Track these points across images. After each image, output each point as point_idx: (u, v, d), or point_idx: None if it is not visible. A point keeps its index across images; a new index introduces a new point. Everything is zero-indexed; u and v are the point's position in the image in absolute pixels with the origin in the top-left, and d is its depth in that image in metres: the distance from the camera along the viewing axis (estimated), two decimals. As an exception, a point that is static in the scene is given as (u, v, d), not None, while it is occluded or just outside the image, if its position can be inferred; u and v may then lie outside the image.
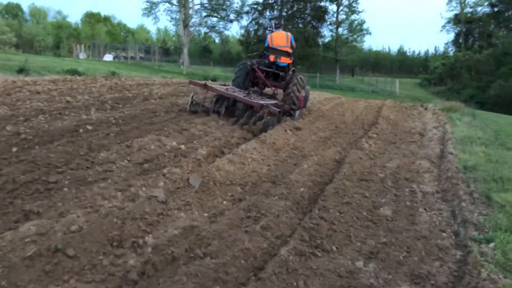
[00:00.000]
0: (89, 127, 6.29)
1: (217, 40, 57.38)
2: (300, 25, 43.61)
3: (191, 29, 46.67)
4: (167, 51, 59.69)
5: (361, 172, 5.61)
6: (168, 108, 8.59)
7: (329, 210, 4.19)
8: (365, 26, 45.98)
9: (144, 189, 4.20)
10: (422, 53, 72.46)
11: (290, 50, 10.15)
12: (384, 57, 71.20)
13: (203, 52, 58.23)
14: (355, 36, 46.44)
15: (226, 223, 3.79)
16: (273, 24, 11.33)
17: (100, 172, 4.58)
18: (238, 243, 3.40)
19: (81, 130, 6.11)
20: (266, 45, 10.27)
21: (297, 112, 9.62)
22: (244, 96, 8.44)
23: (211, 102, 8.69)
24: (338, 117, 10.88)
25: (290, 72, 10.15)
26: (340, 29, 46.07)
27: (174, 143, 5.94)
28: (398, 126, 10.19)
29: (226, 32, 53.88)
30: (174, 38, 69.52)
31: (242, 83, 9.96)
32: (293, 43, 10.33)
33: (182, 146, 5.83)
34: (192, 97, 8.79)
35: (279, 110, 8.29)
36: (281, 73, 10.15)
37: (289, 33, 10.38)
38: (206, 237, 3.49)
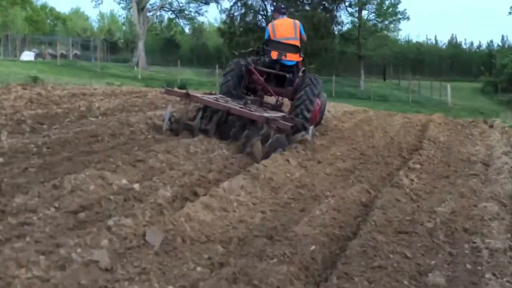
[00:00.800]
0: (-2, 159, 6.27)
1: (187, 30, 58.15)
2: (307, 8, 44.34)
3: (149, 14, 47.34)
4: (114, 46, 60.23)
5: (399, 221, 5.61)
6: (116, 129, 8.59)
7: (353, 279, 4.16)
8: (400, 7, 46.77)
9: (79, 250, 4.15)
10: (484, 46, 73.59)
11: (299, 44, 10.60)
12: (429, 51, 72.43)
13: (167, 47, 58.89)
14: (387, 22, 47.21)
15: (201, 300, 3.76)
16: (275, 9, 12.03)
17: (14, 226, 4.53)
18: (219, 331, 3.36)
19: (-15, 164, 6.08)
20: (266, 37, 10.76)
21: (311, 129, 9.80)
22: (241, 108, 8.82)
23: (196, 118, 9.02)
24: (365, 139, 10.95)
25: (300, 74, 10.62)
26: (364, 13, 46.94)
27: (124, 181, 5.91)
28: (452, 152, 10.27)
29: (200, 19, 54.54)
30: (124, 28, 70.23)
31: (233, 90, 10.37)
32: (303, 34, 10.80)
33: (136, 186, 5.80)
34: (171, 113, 9.19)
35: (291, 124, 8.64)
36: (287, 75, 10.54)
37: (297, 21, 10.85)
38: (171, 322, 3.45)
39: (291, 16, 41.99)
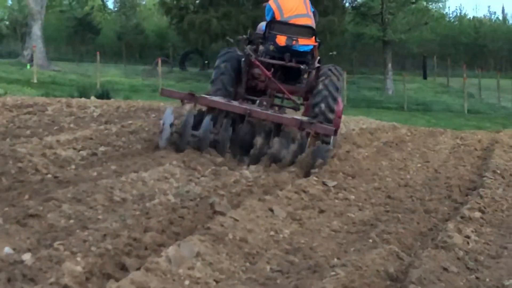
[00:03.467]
0: None
1: (110, 4, 58.49)
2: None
3: (50, -19, 47.29)
4: (-5, 32, 60.16)
5: (448, 304, 5.63)
6: (-5, 165, 8.56)
7: None
8: (446, -35, 47.44)
9: None
10: None
11: (313, 24, 11.79)
12: (493, 33, 73.11)
13: (80, 33, 58.87)
14: (425, -12, 47.85)
15: None
16: None
17: None
18: None
19: None
20: (268, 18, 11.83)
21: (332, 138, 11.29)
22: (264, 110, 10.60)
23: (202, 127, 10.40)
24: (393, 174, 11.01)
25: (316, 64, 11.75)
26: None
27: (8, 250, 5.86)
28: (531, 192, 10.33)
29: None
30: (10, 2, 70.26)
31: (229, 87, 11.77)
32: (316, 13, 12.30)
33: (27, 257, 5.75)
34: (171, 122, 10.48)
35: (335, 128, 10.47)
36: (301, 67, 11.69)
37: None
38: None
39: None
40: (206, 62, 48.51)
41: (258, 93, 12.08)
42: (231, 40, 15.16)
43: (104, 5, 57.30)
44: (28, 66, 40.09)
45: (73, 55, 52.35)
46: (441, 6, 57.11)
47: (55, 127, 12.27)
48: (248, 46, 12.09)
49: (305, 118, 10.50)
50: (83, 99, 19.53)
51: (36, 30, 44.73)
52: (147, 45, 58.43)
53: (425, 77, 55.11)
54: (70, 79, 35.60)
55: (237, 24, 42.21)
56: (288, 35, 11.40)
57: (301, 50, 11.58)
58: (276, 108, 12.17)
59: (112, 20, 62.54)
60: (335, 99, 11.32)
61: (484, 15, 76.62)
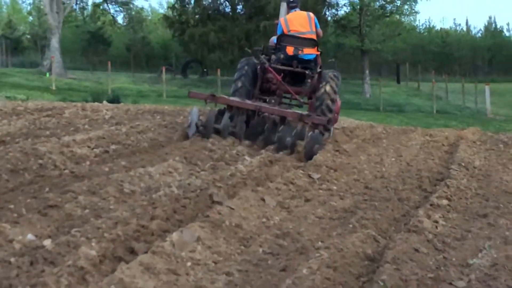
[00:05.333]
0: None
1: (120, 20, 58.14)
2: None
3: (66, -1, 47.15)
4: (17, 44, 59.93)
5: (418, 280, 5.62)
6: (18, 163, 8.51)
7: None
8: (416, -18, 47.28)
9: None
10: (535, 31, 74.72)
11: (315, 37, 13.13)
12: (459, 42, 73.12)
13: (93, 45, 58.75)
14: (398, 2, 47.70)
15: None
16: (287, 2, 14.25)
17: None
18: None
19: None
20: (279, 33, 13.18)
21: (331, 130, 13.04)
22: (271, 106, 12.21)
23: (222, 120, 11.70)
24: (370, 167, 11.01)
25: (318, 69, 13.05)
26: (368, -9, 47.28)
27: (31, 237, 5.85)
28: (492, 182, 10.35)
29: (138, 3, 54.77)
30: (31, 18, 70.07)
31: (248, 90, 13.03)
32: (319, 28, 13.53)
33: (47, 242, 5.75)
34: (197, 118, 11.82)
35: (328, 118, 11.71)
36: (306, 72, 12.98)
37: (311, 14, 13.54)
38: None
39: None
40: (205, 70, 48.46)
41: (270, 93, 13.34)
42: (249, 51, 16.13)
43: (114, 20, 56.77)
44: (47, 75, 39.94)
45: (87, 64, 52.12)
46: (412, 19, 57.15)
47: (72, 128, 12.23)
48: (263, 56, 13.09)
49: (304, 112, 11.96)
50: (96, 103, 19.47)
51: (54, 42, 44.59)
52: (153, 55, 58.26)
53: (398, 82, 55.10)
54: (85, 86, 35.51)
55: (232, 36, 42.18)
56: (295, 46, 12.77)
57: (306, 58, 12.90)
58: (284, 105, 13.44)
59: (121, 34, 62.24)
60: (333, 101, 12.60)
61: (450, 26, 76.77)
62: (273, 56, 13.15)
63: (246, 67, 13.22)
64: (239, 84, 13.05)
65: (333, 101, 12.65)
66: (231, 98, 12.30)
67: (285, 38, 12.94)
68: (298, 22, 13.07)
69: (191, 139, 11.61)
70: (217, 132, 11.61)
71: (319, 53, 13.28)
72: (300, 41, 12.85)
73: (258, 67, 13.11)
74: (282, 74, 12.90)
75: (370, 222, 7.50)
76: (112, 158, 9.85)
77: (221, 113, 11.96)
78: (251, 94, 13.05)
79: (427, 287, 5.56)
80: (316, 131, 11.23)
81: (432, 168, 11.37)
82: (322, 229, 7.27)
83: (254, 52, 14.72)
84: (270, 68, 12.75)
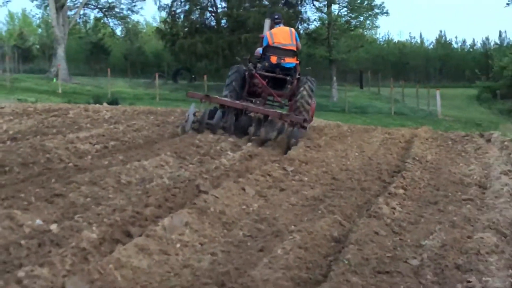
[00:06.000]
0: None
1: (118, 32, 57.80)
2: (266, 2, 44.62)
3: (71, 13, 46.94)
4: (27, 53, 59.54)
5: (378, 259, 5.63)
6: (28, 157, 8.47)
7: (324, 334, 4.16)
8: (377, 0, 47.22)
9: (-21, 311, 4.07)
10: (479, 45, 75.15)
11: (295, 49, 13.74)
12: (413, 52, 73.49)
13: (95, 54, 58.51)
14: (361, 18, 47.71)
15: None
16: (272, 19, 14.95)
17: None
18: None
19: None
20: (265, 44, 13.71)
21: (307, 127, 13.25)
22: (257, 106, 12.81)
23: (215, 117, 12.27)
24: (337, 160, 11.00)
25: (297, 76, 13.72)
26: (334, 7, 47.31)
27: (39, 222, 5.81)
28: (442, 174, 10.39)
29: (135, 17, 54.53)
30: (40, 30, 69.63)
31: (237, 93, 13.48)
32: (299, 41, 14.07)
33: (54, 227, 5.71)
34: (194, 113, 12.39)
35: (304, 117, 12.41)
36: (287, 78, 13.64)
37: (292, 29, 14.19)
38: None
39: (245, 10, 42.56)
40: (193, 76, 48.37)
41: (256, 95, 13.82)
42: (239, 59, 16.39)
43: (113, 33, 56.46)
44: (54, 80, 39.72)
45: (89, 71, 51.86)
46: (373, 32, 57.25)
47: (75, 127, 12.18)
48: (250, 64, 13.73)
49: (284, 112, 12.65)
50: (97, 105, 19.43)
51: (60, 52, 44.37)
52: (147, 63, 58.03)
53: (361, 87, 55.24)
54: (87, 89, 35.37)
55: (216, 47, 42.18)
56: (278, 56, 13.41)
57: (287, 66, 13.54)
58: (267, 105, 13.89)
59: (119, 44, 61.89)
60: (309, 102, 13.29)
61: (406, 39, 76.97)
62: (259, 64, 13.79)
63: (236, 73, 13.75)
64: (230, 87, 13.53)
65: (308, 103, 13.30)
66: (223, 98, 12.90)
67: (270, 49, 13.52)
68: (281, 35, 13.63)
69: (180, 136, 11.83)
70: (210, 127, 12.11)
71: (298, 62, 13.90)
72: (283, 51, 13.45)
73: (246, 73, 13.59)
74: (266, 80, 13.47)
75: (337, 208, 7.50)
76: (111, 153, 9.81)
77: (213, 111, 12.53)
78: (240, 95, 13.46)
79: (385, 265, 5.57)
80: (295, 128, 11.96)
81: (390, 161, 11.39)
82: (295, 214, 7.27)
83: (243, 61, 14.86)
84: (256, 74, 13.35)
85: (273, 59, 13.42)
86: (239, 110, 12.60)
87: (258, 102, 13.58)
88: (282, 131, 12.15)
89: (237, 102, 12.74)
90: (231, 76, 13.77)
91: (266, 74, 13.50)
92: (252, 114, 13.15)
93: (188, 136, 11.83)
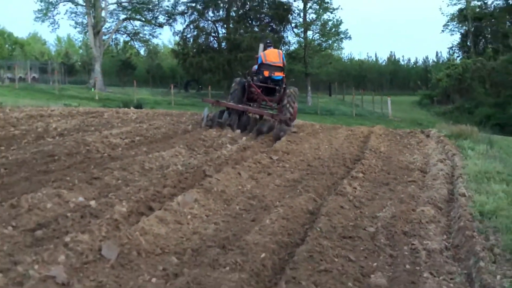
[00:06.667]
0: (-44, 181, 6.11)
1: (142, 52, 57.43)
2: (256, 29, 44.51)
3: (105, 37, 46.68)
4: (71, 68, 59.14)
5: (343, 227, 5.69)
6: (72, 149, 8.48)
7: (300, 283, 4.19)
8: (342, 27, 47.07)
9: (36, 267, 4.07)
10: (420, 62, 75.19)
11: (282, 66, 14.34)
12: (370, 68, 73.29)
13: (123, 69, 58.09)
14: (330, 41, 47.64)
15: (156, 309, 3.72)
16: (265, 43, 15.58)
17: (-29, 246, 4.42)
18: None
19: None
20: (259, 62, 14.30)
21: (292, 124, 13.79)
22: (254, 108, 13.64)
23: (223, 117, 13.05)
24: (311, 151, 11.02)
25: (284, 86, 14.14)
26: (309, 33, 47.16)
27: (81, 199, 5.84)
28: (392, 161, 10.44)
29: (155, 41, 54.17)
30: (81, 51, 69.26)
31: (239, 99, 13.89)
32: (284, 60, 14.72)
33: (92, 203, 5.74)
34: (207, 115, 13.25)
35: (288, 117, 13.26)
36: (276, 87, 14.16)
37: (280, 51, 14.94)
38: (127, 332, 3.41)
39: (239, 35, 42.47)
40: (200, 86, 48.03)
41: (253, 100, 14.27)
42: (240, 73, 17.06)
43: (138, 52, 56.27)
44: (92, 89, 39.55)
45: (119, 82, 51.61)
46: (339, 52, 56.99)
47: (109, 125, 12.17)
48: (248, 77, 14.37)
49: (274, 113, 13.35)
50: (125, 108, 19.37)
51: (97, 67, 44.16)
52: (164, 76, 57.65)
53: (330, 95, 55.02)
54: (118, 96, 35.14)
55: (218, 63, 41.96)
56: (269, 71, 13.98)
57: (276, 79, 14.06)
58: (261, 108, 14.33)
59: (143, 61, 61.49)
60: (292, 106, 13.84)
61: (364, 57, 76.66)
62: (255, 77, 14.23)
63: (238, 84, 14.18)
64: (234, 94, 14.03)
65: (292, 106, 13.82)
66: (229, 103, 13.58)
67: (263, 65, 14.05)
68: (272, 55, 14.22)
69: (190, 132, 12.12)
70: (220, 124, 12.83)
71: (284, 75, 14.42)
72: (273, 68, 14.03)
73: (246, 84, 14.06)
74: (261, 89, 13.93)
75: (311, 188, 7.53)
76: (137, 145, 9.82)
77: (222, 112, 13.30)
78: (241, 100, 13.86)
79: (348, 231, 5.62)
80: (282, 125, 12.67)
81: (352, 152, 11.40)
82: (279, 193, 7.30)
83: (243, 75, 15.50)
84: (253, 85, 13.85)
85: (266, 73, 13.98)
86: (241, 111, 13.24)
87: (255, 105, 14.10)
88: (272, 127, 12.81)
89: (239, 105, 13.32)
90: (234, 86, 14.24)
91: (261, 84, 13.97)
92: (250, 115, 13.88)
93: (197, 133, 11.89)
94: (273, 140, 11.96)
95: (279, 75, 14.14)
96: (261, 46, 15.82)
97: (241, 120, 13.23)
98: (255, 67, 14.88)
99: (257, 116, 14.20)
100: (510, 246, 5.06)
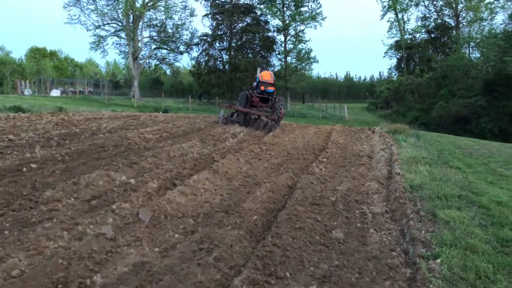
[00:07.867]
0: (33, 166, 6.06)
1: (168, 72, 56.98)
2: (250, 56, 44.40)
3: (141, 61, 46.34)
4: (117, 84, 58.80)
5: (312, 197, 5.70)
6: (117, 142, 8.43)
7: (282, 237, 4.20)
8: (312, 54, 46.95)
9: (91, 226, 4.06)
10: (368, 79, 75.07)
11: (273, 82, 14.95)
12: (332, 83, 73.20)
13: (154, 84, 57.76)
14: (303, 64, 47.49)
15: (178, 256, 3.71)
16: (261, 67, 16.79)
17: (44, 212, 4.39)
18: (190, 277, 3.33)
19: (24, 169, 5.87)
20: (257, 80, 14.82)
21: (280, 123, 14.45)
22: (254, 110, 14.20)
23: (233, 116, 14.02)
24: (290, 143, 11.02)
25: (274, 96, 14.74)
26: (288, 58, 47.05)
27: (124, 178, 5.82)
28: (347, 150, 10.45)
29: (177, 64, 53.65)
30: (124, 71, 68.71)
31: (244, 104, 14.31)
32: (274, 78, 15.33)
33: (132, 180, 5.72)
34: (223, 115, 14.10)
35: (278, 117, 13.88)
36: (269, 97, 14.66)
37: (271, 72, 15.39)
38: (157, 273, 3.40)
39: (237, 60, 42.33)
40: (210, 97, 47.76)
41: (254, 106, 14.54)
42: (244, 88, 17.52)
43: (165, 72, 55.98)
44: (132, 99, 39.33)
45: (151, 94, 51.35)
46: (310, 72, 56.75)
47: (144, 125, 12.07)
48: (250, 90, 14.85)
49: (268, 114, 13.81)
50: (156, 113, 19.28)
51: (135, 83, 43.88)
52: (184, 89, 57.32)
53: (303, 103, 55.06)
54: (151, 104, 34.91)
55: (223, 80, 41.86)
56: (264, 86, 14.42)
57: (270, 91, 14.49)
58: (259, 111, 14.68)
59: (169, 79, 61.21)
60: (280, 111, 14.18)
61: (328, 76, 76.56)
62: (255, 91, 14.64)
63: (243, 94, 14.52)
64: (241, 101, 14.37)
65: (280, 111, 14.21)
66: (238, 107, 14.03)
67: (260, 83, 14.54)
68: (266, 76, 14.75)
69: (203, 130, 12.10)
70: (231, 121, 13.62)
71: (275, 89, 14.89)
72: (267, 84, 14.50)
73: (248, 94, 14.44)
74: (259, 98, 14.37)
75: (290, 169, 7.53)
76: (164, 139, 9.74)
77: (232, 114, 14.15)
78: (245, 106, 14.21)
79: (316, 200, 5.61)
80: (273, 122, 13.53)
81: (319, 144, 11.40)
82: (267, 173, 7.29)
83: (247, 89, 16.10)
84: (253, 95, 14.33)
85: (262, 88, 14.48)
86: (245, 113, 13.87)
87: (255, 109, 14.47)
88: (266, 124, 13.63)
89: (245, 109, 13.93)
90: (241, 96, 14.62)
91: (259, 95, 14.42)
92: (252, 116, 14.37)
93: (207, 130, 11.83)
94: (266, 133, 12.50)
95: (271, 89, 14.67)
96: (259, 69, 16.49)
97: (246, 119, 13.88)
98: (255, 83, 15.31)
99: (256, 116, 14.51)
100: (431, 210, 5.09)
